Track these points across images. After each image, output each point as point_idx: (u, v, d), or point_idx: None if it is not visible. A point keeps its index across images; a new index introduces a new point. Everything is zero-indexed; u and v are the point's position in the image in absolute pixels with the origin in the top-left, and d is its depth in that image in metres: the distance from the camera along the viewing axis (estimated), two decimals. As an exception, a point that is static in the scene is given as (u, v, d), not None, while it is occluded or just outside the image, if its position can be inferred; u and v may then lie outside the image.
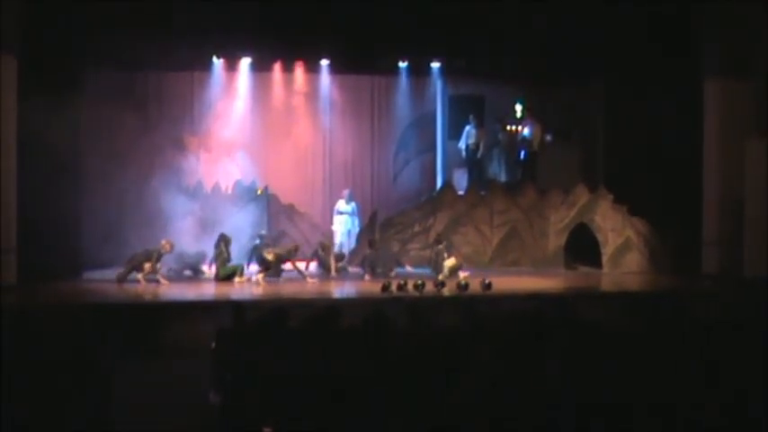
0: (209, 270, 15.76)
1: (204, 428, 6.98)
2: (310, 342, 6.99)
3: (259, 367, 6.61)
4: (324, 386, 6.06)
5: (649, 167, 17.56)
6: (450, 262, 15.90)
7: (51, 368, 6.45)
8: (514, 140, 19.36)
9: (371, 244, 16.46)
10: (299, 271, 15.46)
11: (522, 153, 19.00)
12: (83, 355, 6.72)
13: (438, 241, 16.44)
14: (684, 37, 16.61)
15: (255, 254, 15.65)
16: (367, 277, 15.81)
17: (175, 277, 15.62)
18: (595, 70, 18.68)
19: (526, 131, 18.89)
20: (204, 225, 16.62)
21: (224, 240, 15.60)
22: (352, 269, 16.91)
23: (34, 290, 14.14)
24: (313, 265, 16.48)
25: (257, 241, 16.01)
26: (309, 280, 15.21)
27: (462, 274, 15.39)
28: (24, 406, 5.97)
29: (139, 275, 14.96)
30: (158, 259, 15.08)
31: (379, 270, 16.05)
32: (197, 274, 15.95)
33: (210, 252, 15.76)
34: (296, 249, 15.85)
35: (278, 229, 18.44)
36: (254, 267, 15.59)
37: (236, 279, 15.35)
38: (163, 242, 15.25)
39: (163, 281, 14.92)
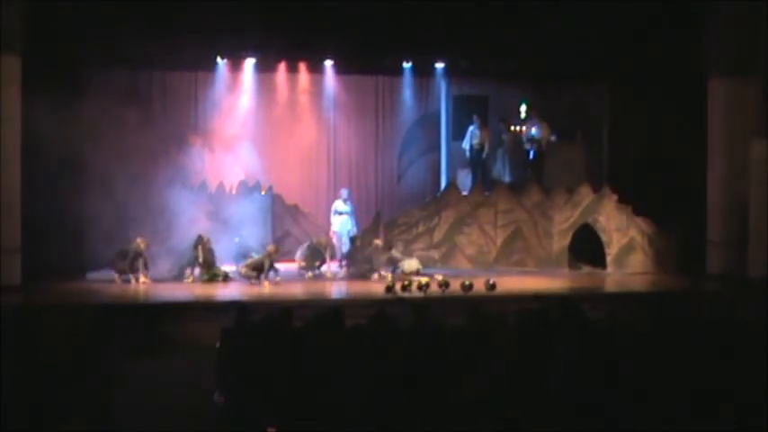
0: (189, 273, 15.72)
1: (208, 428, 6.98)
2: (314, 342, 6.99)
3: (263, 367, 6.61)
4: (327, 386, 6.05)
5: (653, 167, 17.54)
6: (410, 264, 15.77)
7: (54, 368, 6.46)
8: (519, 140, 19.34)
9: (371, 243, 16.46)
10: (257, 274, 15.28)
11: (532, 153, 18.96)
12: (86, 355, 6.73)
13: (388, 247, 16.41)
14: (687, 36, 16.60)
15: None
16: (375, 276, 15.80)
17: (178, 277, 15.68)
18: (599, 70, 18.65)
19: (534, 131, 18.83)
20: (207, 225, 16.61)
21: (201, 242, 15.59)
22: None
23: (38, 290, 14.16)
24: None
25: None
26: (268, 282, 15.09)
27: (422, 278, 15.05)
28: (27, 405, 5.98)
29: (142, 276, 15.05)
30: (135, 258, 15.15)
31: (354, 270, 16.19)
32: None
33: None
34: (276, 251, 15.66)
35: (282, 229, 18.41)
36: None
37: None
38: (138, 240, 15.27)
39: (143, 279, 15.09)
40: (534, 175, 18.81)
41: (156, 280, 15.24)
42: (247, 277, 15.14)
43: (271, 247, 15.61)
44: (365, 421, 5.82)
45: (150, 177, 16.53)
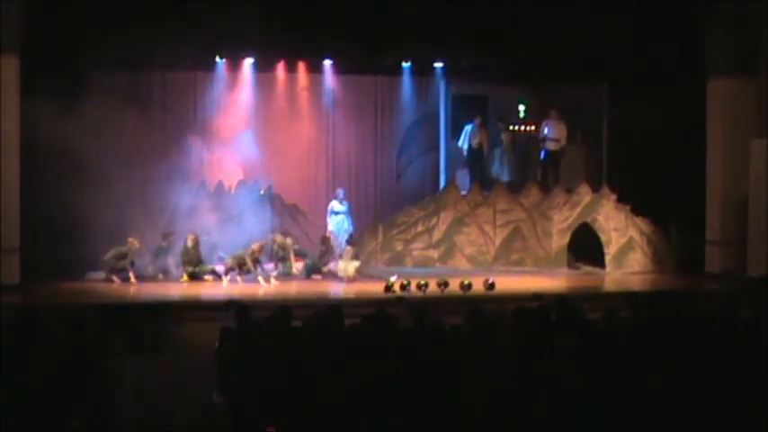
0: (183, 272, 15.75)
1: (208, 428, 6.98)
2: (313, 342, 6.99)
3: (263, 367, 6.61)
4: (327, 386, 6.06)
5: (652, 167, 17.54)
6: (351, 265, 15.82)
7: (54, 368, 6.46)
8: (517, 140, 19.37)
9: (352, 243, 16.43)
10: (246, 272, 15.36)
11: (543, 152, 18.95)
12: (85, 356, 6.72)
13: (350, 243, 16.39)
14: (688, 36, 16.60)
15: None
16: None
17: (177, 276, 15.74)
18: (599, 70, 18.65)
19: (546, 130, 18.81)
20: (207, 224, 16.62)
21: (191, 239, 15.63)
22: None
23: (37, 289, 14.16)
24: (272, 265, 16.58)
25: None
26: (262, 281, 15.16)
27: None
28: (26, 405, 5.98)
29: (133, 276, 15.12)
30: (132, 258, 15.23)
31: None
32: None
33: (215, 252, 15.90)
34: (260, 249, 15.66)
35: (281, 228, 18.40)
36: (219, 268, 15.85)
37: (207, 278, 15.60)
38: (130, 239, 15.34)
39: (133, 280, 15.19)
40: (545, 175, 18.85)
41: (157, 279, 15.27)
42: (229, 269, 15.17)
43: (255, 246, 15.57)
44: (364, 421, 5.82)
45: (150, 177, 16.54)
